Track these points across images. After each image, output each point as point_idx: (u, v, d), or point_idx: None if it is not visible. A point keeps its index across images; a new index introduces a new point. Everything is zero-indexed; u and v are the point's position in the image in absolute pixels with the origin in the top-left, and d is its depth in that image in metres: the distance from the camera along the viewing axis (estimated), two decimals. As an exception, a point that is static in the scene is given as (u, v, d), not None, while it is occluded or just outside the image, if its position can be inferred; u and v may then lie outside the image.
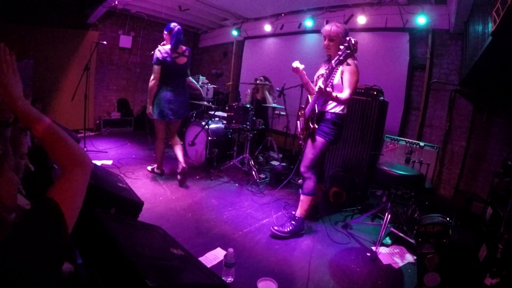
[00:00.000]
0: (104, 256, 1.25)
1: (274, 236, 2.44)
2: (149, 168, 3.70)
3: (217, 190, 3.35)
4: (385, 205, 2.59)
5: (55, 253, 0.65)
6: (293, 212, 2.58)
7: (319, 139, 2.42)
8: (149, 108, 3.21)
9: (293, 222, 2.49)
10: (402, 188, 2.71)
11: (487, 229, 2.40)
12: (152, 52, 3.17)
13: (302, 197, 2.50)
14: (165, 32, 3.18)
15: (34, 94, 4.44)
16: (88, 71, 3.94)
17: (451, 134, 3.73)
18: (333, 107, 2.43)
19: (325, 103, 2.44)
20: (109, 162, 3.75)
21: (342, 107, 2.43)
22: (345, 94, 2.27)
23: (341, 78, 2.32)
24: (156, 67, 3.08)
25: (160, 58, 3.07)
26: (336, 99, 2.29)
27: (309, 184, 2.46)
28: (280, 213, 2.93)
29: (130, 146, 4.69)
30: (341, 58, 2.16)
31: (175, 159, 4.22)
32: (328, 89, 2.23)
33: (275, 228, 2.46)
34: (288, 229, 2.45)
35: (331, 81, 2.34)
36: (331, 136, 2.42)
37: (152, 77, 3.10)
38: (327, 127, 2.41)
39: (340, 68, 2.29)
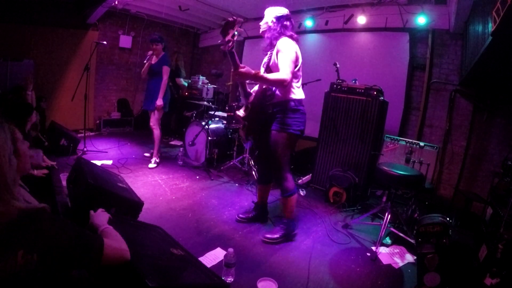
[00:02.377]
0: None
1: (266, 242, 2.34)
2: (150, 165, 3.79)
3: (217, 190, 3.35)
4: (385, 205, 2.59)
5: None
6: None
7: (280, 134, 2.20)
8: (161, 101, 3.72)
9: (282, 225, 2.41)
10: (402, 188, 2.71)
11: (487, 229, 2.40)
12: (146, 59, 3.76)
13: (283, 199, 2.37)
14: (161, 44, 3.75)
15: (37, 93, 4.43)
16: (88, 71, 3.94)
17: (451, 134, 3.73)
18: (282, 94, 2.21)
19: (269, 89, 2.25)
20: (109, 162, 3.75)
21: (290, 92, 2.18)
22: (279, 73, 2.03)
23: (277, 58, 2.13)
24: (169, 69, 3.77)
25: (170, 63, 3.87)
26: (267, 81, 2.05)
27: (289, 183, 2.32)
28: (279, 212, 2.92)
29: (130, 146, 4.69)
30: (271, 39, 2.11)
31: (175, 158, 4.25)
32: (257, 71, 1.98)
33: (267, 236, 2.37)
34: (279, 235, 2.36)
35: (268, 68, 2.18)
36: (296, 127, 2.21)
37: (166, 77, 3.73)
38: (282, 116, 2.21)
39: (275, 48, 2.14)
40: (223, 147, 4.23)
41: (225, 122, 4.22)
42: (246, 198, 3.20)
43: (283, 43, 2.10)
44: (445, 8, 3.56)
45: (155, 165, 3.82)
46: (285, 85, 2.07)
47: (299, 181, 3.79)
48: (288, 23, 2.18)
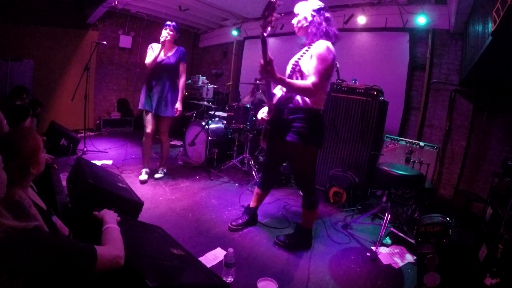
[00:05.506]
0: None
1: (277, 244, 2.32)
2: (157, 175, 3.47)
3: (217, 190, 3.35)
4: (385, 205, 2.59)
5: None
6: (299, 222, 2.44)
7: (295, 144, 1.98)
8: (181, 104, 3.23)
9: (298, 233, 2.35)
10: (402, 188, 2.71)
11: (487, 229, 2.40)
12: (163, 39, 3.02)
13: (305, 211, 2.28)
14: (176, 33, 3.11)
15: (34, 96, 4.44)
16: (88, 71, 3.94)
17: (451, 134, 3.73)
18: (303, 101, 1.99)
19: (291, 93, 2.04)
20: (109, 162, 3.75)
21: (312, 100, 1.95)
22: (306, 82, 1.82)
23: (310, 61, 1.91)
24: (186, 67, 3.21)
25: None
26: (292, 87, 1.80)
27: (316, 197, 2.23)
28: (280, 213, 2.93)
29: (130, 146, 4.69)
30: (314, 34, 1.89)
31: (175, 158, 4.25)
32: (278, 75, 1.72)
33: (280, 238, 2.34)
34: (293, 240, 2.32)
35: (297, 66, 1.96)
36: (307, 137, 1.97)
37: (185, 76, 3.21)
38: (300, 126, 1.98)
39: (310, 50, 1.91)
40: (223, 147, 4.23)
41: (225, 122, 4.22)
42: (246, 198, 3.19)
43: (322, 47, 1.84)
44: (445, 8, 3.56)
45: (161, 174, 3.49)
46: (310, 95, 1.88)
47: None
48: (329, 15, 1.96)
